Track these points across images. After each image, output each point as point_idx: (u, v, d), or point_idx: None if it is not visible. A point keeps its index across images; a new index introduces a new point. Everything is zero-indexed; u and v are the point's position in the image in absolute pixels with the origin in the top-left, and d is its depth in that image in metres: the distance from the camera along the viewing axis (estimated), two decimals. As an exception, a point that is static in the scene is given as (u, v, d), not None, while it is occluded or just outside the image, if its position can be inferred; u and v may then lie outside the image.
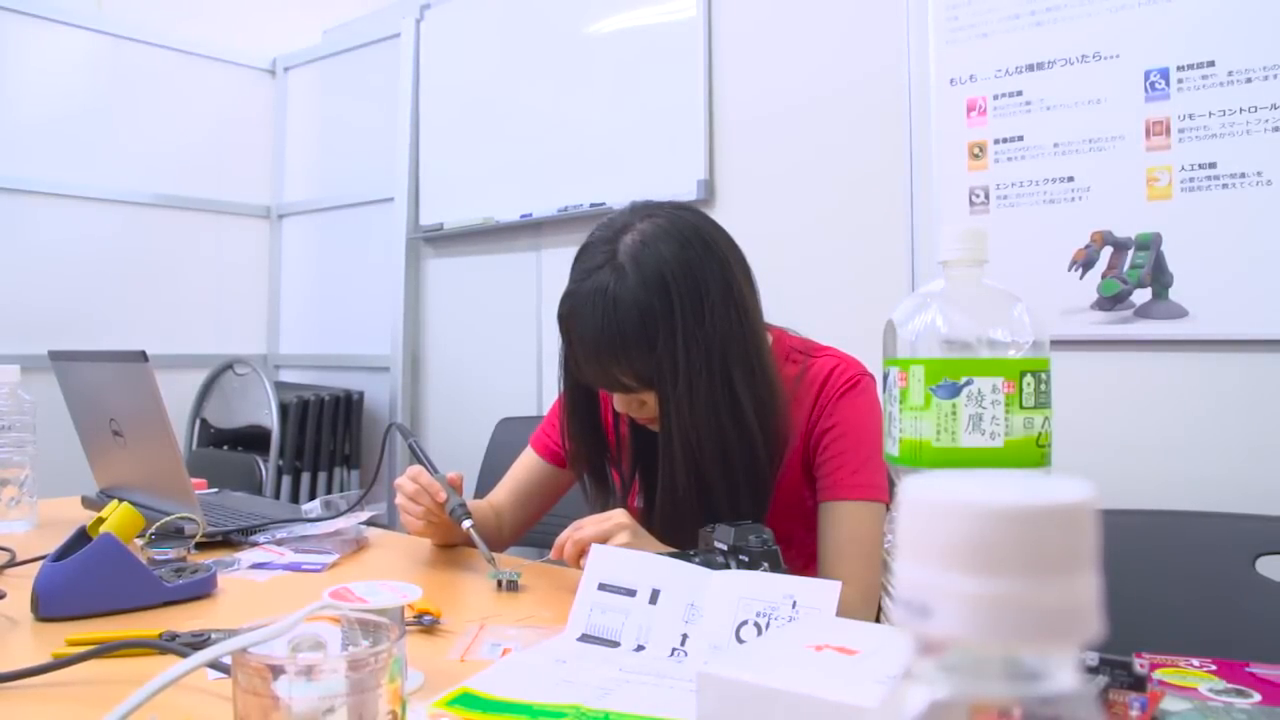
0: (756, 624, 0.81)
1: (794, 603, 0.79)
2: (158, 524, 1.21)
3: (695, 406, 1.08)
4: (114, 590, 0.98)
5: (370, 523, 1.42)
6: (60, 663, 0.78)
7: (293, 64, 3.52)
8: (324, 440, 3.06)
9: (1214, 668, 0.71)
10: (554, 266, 2.70)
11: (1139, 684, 0.61)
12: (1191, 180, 1.66)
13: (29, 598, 0.96)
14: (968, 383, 0.62)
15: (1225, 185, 1.63)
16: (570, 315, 1.11)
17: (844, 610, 0.78)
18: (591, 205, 2.54)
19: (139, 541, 1.17)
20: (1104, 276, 1.75)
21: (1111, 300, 1.74)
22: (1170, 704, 0.63)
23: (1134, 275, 1.72)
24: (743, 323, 1.12)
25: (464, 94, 2.90)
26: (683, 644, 0.83)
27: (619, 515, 1.07)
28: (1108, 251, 1.75)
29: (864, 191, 2.08)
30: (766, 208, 2.24)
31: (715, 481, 1.11)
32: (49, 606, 0.96)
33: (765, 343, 1.16)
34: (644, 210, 1.14)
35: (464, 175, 2.91)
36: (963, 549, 0.23)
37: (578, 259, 1.14)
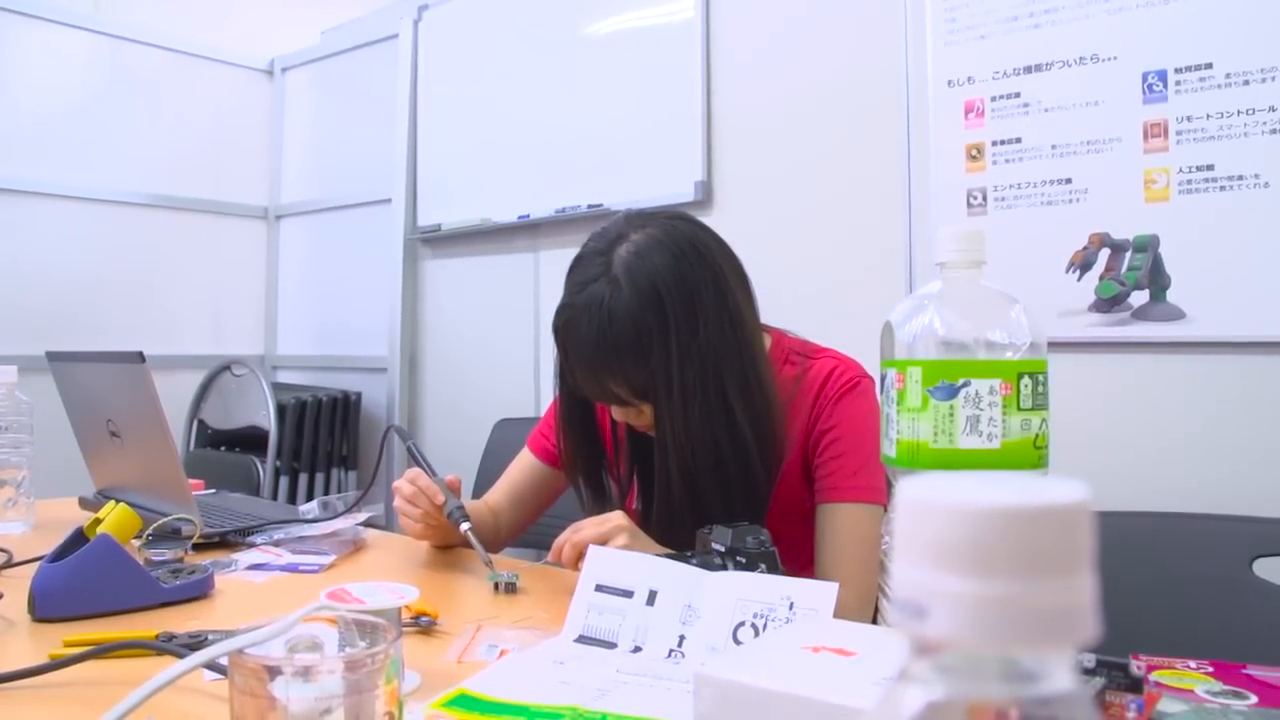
0: (754, 625, 0.80)
1: (791, 604, 0.79)
2: (155, 525, 1.21)
3: (690, 419, 1.08)
4: (111, 591, 0.98)
5: (368, 524, 1.42)
6: (57, 664, 0.78)
7: (290, 65, 3.52)
8: (321, 441, 3.06)
9: (1211, 669, 0.71)
10: (551, 267, 2.70)
11: (1136, 685, 0.61)
12: (1189, 182, 1.66)
13: (26, 599, 0.96)
14: (965, 384, 0.62)
15: (1223, 187, 1.63)
16: (566, 328, 1.11)
17: (841, 612, 0.78)
18: (589, 206, 2.54)
19: (136, 542, 1.16)
20: (1101, 278, 1.75)
21: (1109, 302, 1.74)
22: (1167, 705, 0.63)
23: (1131, 277, 1.72)
24: (737, 334, 1.11)
25: (462, 95, 2.90)
26: (680, 645, 0.83)
27: (617, 517, 1.06)
28: (1105, 253, 1.75)
29: (861, 193, 2.08)
30: (764, 209, 2.24)
31: (711, 493, 1.11)
32: (46, 607, 0.96)
33: (762, 352, 1.16)
34: (638, 220, 1.13)
35: (462, 176, 2.91)
36: (959, 550, 0.23)
37: (572, 270, 1.13)
